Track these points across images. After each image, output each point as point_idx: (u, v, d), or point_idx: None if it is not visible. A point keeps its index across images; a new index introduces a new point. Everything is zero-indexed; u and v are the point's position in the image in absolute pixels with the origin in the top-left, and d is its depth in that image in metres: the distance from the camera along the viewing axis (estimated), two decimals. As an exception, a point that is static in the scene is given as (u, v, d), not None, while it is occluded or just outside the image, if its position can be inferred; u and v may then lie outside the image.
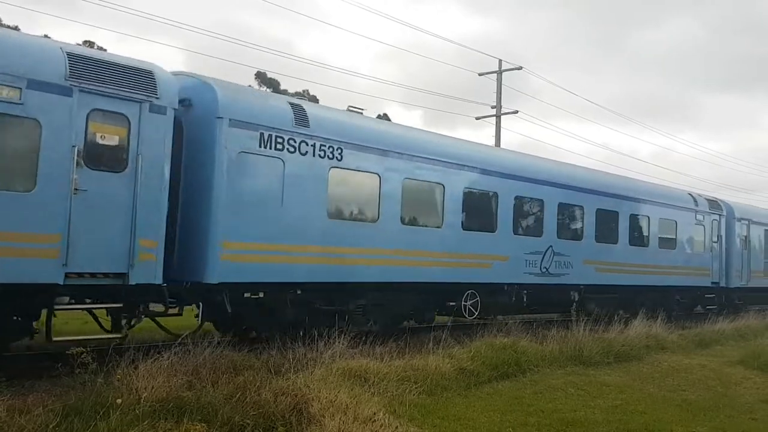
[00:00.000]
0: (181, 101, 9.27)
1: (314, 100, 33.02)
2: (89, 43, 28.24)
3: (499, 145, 28.47)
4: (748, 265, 23.15)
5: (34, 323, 7.96)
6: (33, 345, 9.00)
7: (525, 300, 14.66)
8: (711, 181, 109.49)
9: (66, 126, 7.52)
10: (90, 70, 7.81)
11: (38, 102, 7.30)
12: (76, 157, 7.54)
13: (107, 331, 8.60)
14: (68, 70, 7.56)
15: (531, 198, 14.53)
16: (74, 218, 7.52)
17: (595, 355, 11.33)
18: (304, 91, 38.79)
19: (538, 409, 7.81)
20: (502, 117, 28.73)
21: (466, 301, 13.16)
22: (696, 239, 20.03)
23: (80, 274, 7.68)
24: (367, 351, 9.11)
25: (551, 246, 14.75)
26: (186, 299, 9.39)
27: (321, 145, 10.25)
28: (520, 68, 29.18)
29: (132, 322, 8.75)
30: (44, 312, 7.92)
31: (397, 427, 6.14)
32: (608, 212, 16.64)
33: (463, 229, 12.81)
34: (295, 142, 9.88)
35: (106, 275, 7.92)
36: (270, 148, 9.56)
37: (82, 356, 6.38)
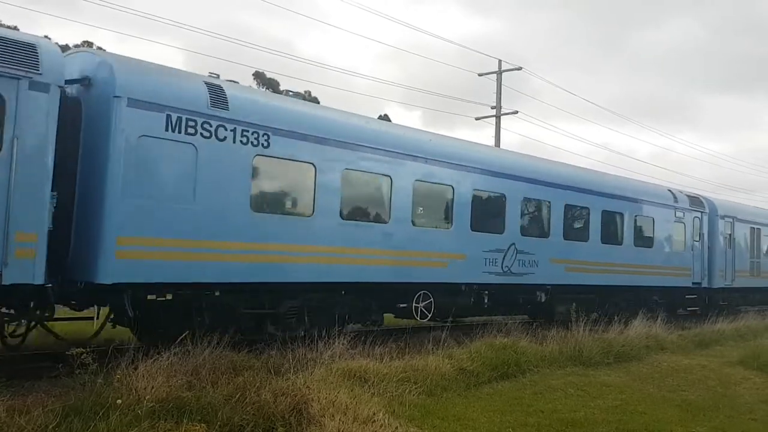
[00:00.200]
0: (80, 80, 8.37)
1: (315, 100, 32.20)
2: (88, 44, 27.19)
3: (500, 146, 27.90)
4: (732, 265, 22.17)
5: None
6: (33, 345, 9.04)
7: (486, 301, 13.70)
8: (711, 182, 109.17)
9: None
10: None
11: None
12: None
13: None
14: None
15: (491, 192, 13.54)
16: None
17: (594, 355, 11.27)
18: (305, 91, 38.13)
19: (538, 409, 7.79)
20: (501, 117, 28.57)
21: (418, 303, 12.19)
22: (675, 237, 19.06)
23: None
24: (366, 351, 9.02)
25: (514, 243, 13.76)
26: (85, 302, 8.42)
27: (243, 131, 9.24)
28: (519, 69, 28.98)
29: (13, 330, 7.75)
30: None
31: (396, 428, 6.12)
32: (578, 208, 15.67)
33: (414, 225, 11.83)
34: (210, 126, 8.87)
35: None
36: (179, 132, 8.54)
37: (82, 357, 6.30)
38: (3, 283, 7.02)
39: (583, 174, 16.60)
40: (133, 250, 8.05)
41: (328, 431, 5.82)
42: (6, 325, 7.72)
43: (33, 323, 8.31)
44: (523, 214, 14.13)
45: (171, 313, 8.87)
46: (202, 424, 5.75)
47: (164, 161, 8.45)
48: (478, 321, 13.56)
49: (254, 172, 9.39)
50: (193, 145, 8.67)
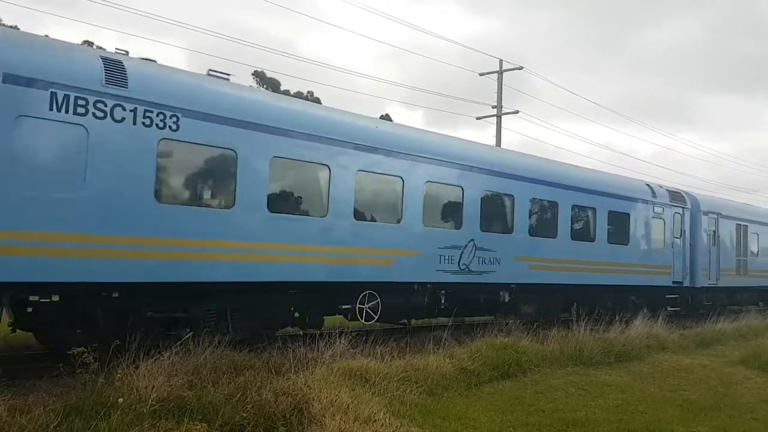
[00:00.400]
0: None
1: (317, 100, 31.37)
2: (89, 43, 26.23)
3: (500, 145, 27.29)
4: (717, 263, 21.19)
5: None
6: (34, 345, 9.24)
7: (443, 301, 12.71)
8: (713, 182, 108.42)
9: None
10: None
11: None
12: None
13: None
14: None
15: (448, 184, 12.53)
16: None
17: (595, 355, 11.21)
18: (308, 92, 37.23)
19: (539, 408, 7.76)
20: (502, 117, 28.44)
21: (363, 304, 11.20)
22: (654, 234, 18.06)
23: None
24: (368, 351, 8.94)
25: (473, 240, 12.78)
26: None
27: (146, 111, 8.24)
28: (520, 68, 28.76)
29: None
30: None
31: (397, 427, 6.11)
32: (545, 202, 14.68)
33: (357, 219, 10.83)
34: (105, 105, 7.86)
35: None
36: (66, 112, 7.54)
37: (84, 356, 6.25)
38: None
39: (551, 166, 15.58)
40: (7, 245, 7.04)
41: (329, 431, 5.81)
42: None
43: None
44: (483, 209, 13.11)
45: (62, 317, 7.85)
46: (203, 424, 5.74)
47: (47, 144, 7.45)
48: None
49: (160, 158, 8.38)
50: (84, 126, 7.67)
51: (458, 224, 12.65)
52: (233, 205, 9.13)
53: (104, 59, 8.09)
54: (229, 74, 10.00)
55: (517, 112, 29.35)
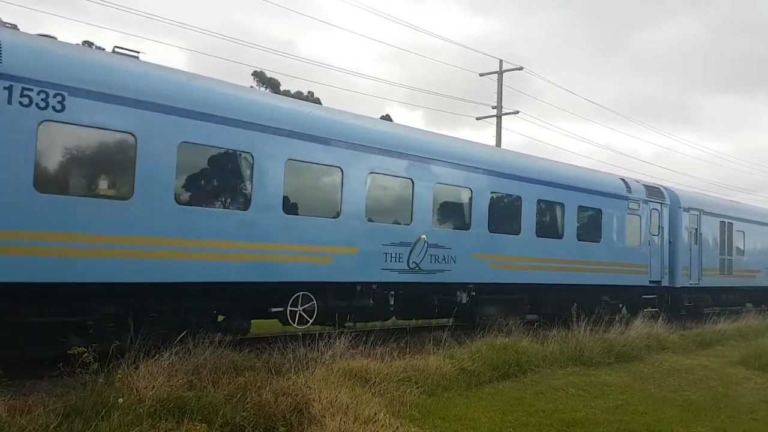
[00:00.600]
0: None
1: (317, 101, 30.49)
2: (89, 44, 25.31)
3: (500, 146, 26.51)
4: (699, 262, 20.25)
5: None
6: None
7: (392, 303, 11.74)
8: (712, 182, 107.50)
9: None
10: None
11: None
12: None
13: None
14: None
15: (395, 176, 11.55)
16: None
17: (595, 355, 11.20)
18: (308, 92, 36.32)
19: (539, 409, 7.77)
20: (503, 117, 28.46)
21: (296, 306, 10.22)
22: (629, 231, 17.11)
23: None
24: (367, 351, 8.93)
25: (424, 236, 11.80)
26: None
27: (24, 89, 7.25)
28: (520, 68, 28.72)
29: None
30: None
31: (397, 428, 6.11)
32: (507, 197, 13.71)
33: (286, 213, 9.84)
34: (-31, 81, 6.89)
35: None
36: None
37: (84, 356, 6.17)
38: None
39: (513, 159, 14.61)
40: None
41: (329, 431, 5.79)
42: None
43: None
44: (436, 203, 12.15)
45: None
46: (203, 424, 5.73)
47: None
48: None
49: (40, 143, 7.38)
50: (-58, 104, 6.69)
51: (407, 219, 11.67)
52: (132, 196, 8.14)
53: (-31, 29, 7.12)
54: (138, 51, 9.00)
55: (517, 112, 29.41)
